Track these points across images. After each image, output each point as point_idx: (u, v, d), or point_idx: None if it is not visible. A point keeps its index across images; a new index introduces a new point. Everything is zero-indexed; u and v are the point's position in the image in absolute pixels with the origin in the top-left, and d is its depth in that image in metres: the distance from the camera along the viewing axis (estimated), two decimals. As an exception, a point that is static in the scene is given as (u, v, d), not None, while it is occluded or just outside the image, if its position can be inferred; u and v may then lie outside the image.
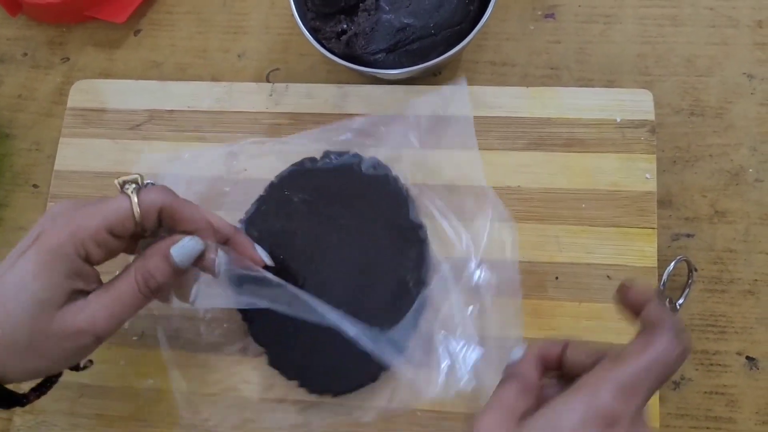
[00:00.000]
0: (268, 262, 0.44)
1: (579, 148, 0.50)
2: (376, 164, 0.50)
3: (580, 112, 0.51)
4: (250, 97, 0.55)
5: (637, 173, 0.49)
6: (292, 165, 0.51)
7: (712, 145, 0.52)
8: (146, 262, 0.39)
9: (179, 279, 0.41)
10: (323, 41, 0.52)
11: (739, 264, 0.49)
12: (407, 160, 0.51)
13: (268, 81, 0.58)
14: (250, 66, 0.59)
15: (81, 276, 0.38)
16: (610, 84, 0.54)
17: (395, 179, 0.50)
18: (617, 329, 0.46)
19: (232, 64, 0.59)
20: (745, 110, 0.52)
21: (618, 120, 0.50)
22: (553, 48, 0.56)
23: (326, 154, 0.51)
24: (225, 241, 0.43)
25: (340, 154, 0.51)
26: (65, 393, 0.49)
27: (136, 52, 0.61)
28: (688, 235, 0.50)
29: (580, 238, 0.48)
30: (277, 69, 0.58)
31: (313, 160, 0.51)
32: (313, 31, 0.52)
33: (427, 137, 0.51)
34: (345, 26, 0.52)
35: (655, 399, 0.45)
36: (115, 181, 0.40)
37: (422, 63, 0.50)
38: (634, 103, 0.50)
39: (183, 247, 0.39)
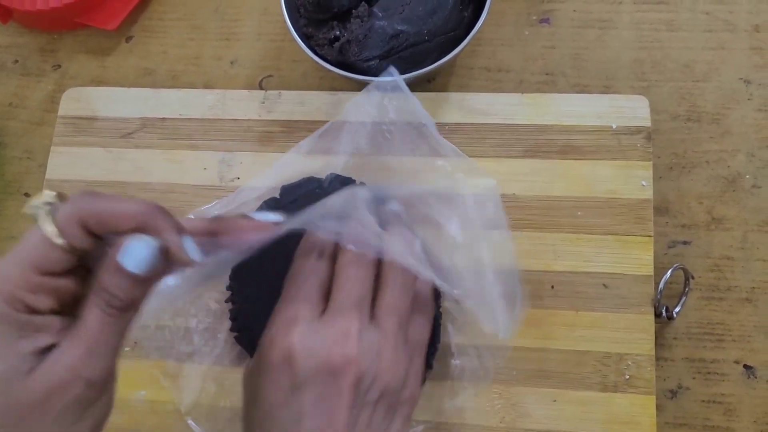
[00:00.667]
0: (276, 218, 0.36)
1: (575, 156, 0.50)
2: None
3: (575, 118, 0.50)
4: (242, 104, 0.54)
5: (633, 180, 0.49)
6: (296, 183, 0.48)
7: (708, 151, 0.52)
8: (101, 282, 0.32)
9: (152, 284, 0.34)
10: (316, 48, 0.52)
11: (736, 271, 0.49)
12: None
13: (260, 88, 0.57)
14: (243, 73, 0.58)
15: (36, 330, 0.31)
16: (606, 90, 0.54)
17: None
18: (614, 338, 0.46)
19: (224, 71, 0.58)
20: (743, 116, 0.52)
21: (614, 127, 0.50)
22: (548, 53, 0.56)
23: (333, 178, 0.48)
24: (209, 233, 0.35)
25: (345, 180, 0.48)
26: None
27: (128, 59, 0.60)
28: (685, 243, 0.50)
29: (577, 246, 0.48)
30: (270, 76, 0.58)
31: (318, 182, 0.48)
32: (306, 38, 0.52)
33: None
34: (338, 33, 0.51)
35: (652, 408, 0.45)
36: (24, 210, 0.32)
37: (416, 70, 0.49)
38: (630, 110, 0.50)
39: (130, 251, 0.31)
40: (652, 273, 0.47)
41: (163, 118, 0.55)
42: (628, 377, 0.45)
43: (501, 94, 0.52)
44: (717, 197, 0.50)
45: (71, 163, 0.55)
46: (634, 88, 0.54)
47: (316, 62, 0.50)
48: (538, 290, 0.48)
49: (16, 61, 0.62)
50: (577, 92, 0.54)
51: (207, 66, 0.59)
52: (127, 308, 0.32)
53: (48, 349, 0.31)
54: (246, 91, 0.55)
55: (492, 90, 0.55)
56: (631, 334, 0.46)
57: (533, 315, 0.47)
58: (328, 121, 0.53)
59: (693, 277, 0.48)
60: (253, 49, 0.59)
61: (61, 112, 0.56)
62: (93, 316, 0.32)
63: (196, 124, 0.54)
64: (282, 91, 0.54)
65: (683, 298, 0.48)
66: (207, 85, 0.58)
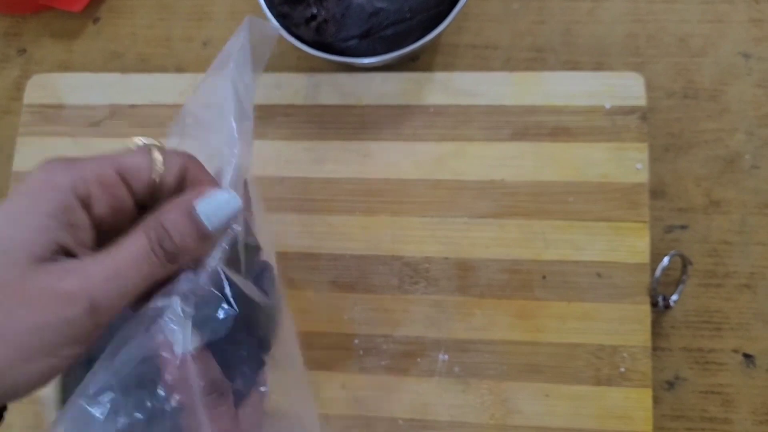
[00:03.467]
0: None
1: (566, 138, 0.47)
2: None
3: (566, 98, 0.48)
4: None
5: (627, 163, 0.46)
6: None
7: (706, 130, 0.49)
8: (162, 216, 0.28)
9: (205, 249, 0.30)
10: (292, 28, 0.49)
11: (735, 256, 0.47)
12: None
13: (236, 71, 0.54)
14: (216, 54, 0.55)
15: (72, 225, 0.27)
16: (598, 66, 0.51)
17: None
18: (608, 330, 0.44)
19: (197, 54, 0.55)
20: (741, 92, 0.49)
21: (607, 106, 0.47)
22: (537, 29, 0.53)
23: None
24: None
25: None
26: (31, 407, 0.47)
27: (96, 42, 0.57)
28: (682, 227, 0.48)
29: (568, 234, 0.46)
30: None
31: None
32: (281, 17, 0.49)
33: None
34: (314, 11, 0.48)
35: (648, 400, 0.43)
36: (135, 139, 0.31)
37: (397, 50, 0.46)
38: (624, 88, 0.47)
39: (213, 202, 0.29)
40: (648, 260, 0.45)
41: (133, 105, 0.52)
42: (623, 370, 0.43)
43: (488, 73, 0.49)
44: (715, 179, 0.48)
45: (39, 154, 0.52)
46: (627, 64, 0.51)
47: (292, 43, 0.47)
48: (528, 281, 0.45)
49: (-21, 47, 0.59)
50: (568, 69, 0.51)
51: (178, 48, 0.56)
52: (174, 258, 0.28)
53: (67, 254, 0.27)
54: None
55: (479, 68, 0.52)
56: (626, 325, 0.44)
57: (523, 307, 0.45)
58: (306, 105, 0.50)
59: (691, 264, 0.46)
60: (227, 28, 0.56)
61: (26, 100, 0.54)
62: (134, 242, 0.28)
63: (167, 111, 0.51)
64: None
65: (681, 286, 0.46)
66: (179, 69, 0.55)
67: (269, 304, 0.33)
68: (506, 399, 0.44)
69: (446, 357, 0.45)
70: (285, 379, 0.35)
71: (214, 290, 0.29)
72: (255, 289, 0.31)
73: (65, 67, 0.57)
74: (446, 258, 0.46)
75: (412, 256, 0.47)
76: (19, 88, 0.57)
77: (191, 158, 0.31)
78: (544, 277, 0.45)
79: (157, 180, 0.29)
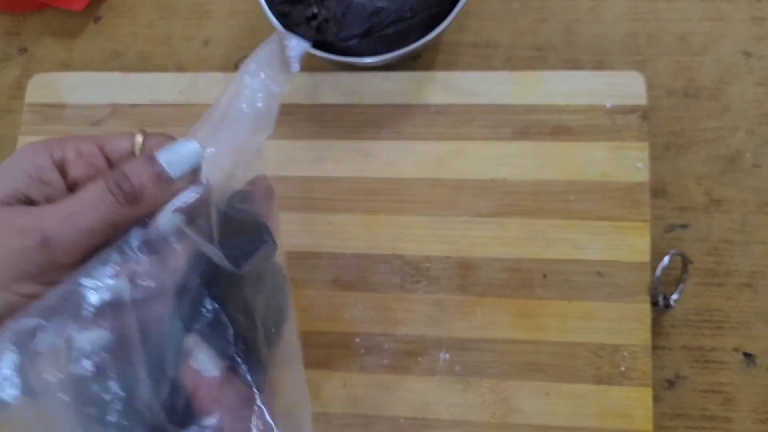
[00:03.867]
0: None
1: (567, 137, 0.47)
2: None
3: (567, 97, 0.48)
4: (216, 88, 0.51)
5: (628, 162, 0.46)
6: None
7: (707, 129, 0.49)
8: (121, 165, 0.29)
9: (165, 194, 0.30)
10: (292, 27, 0.49)
11: (735, 255, 0.47)
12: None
13: (236, 70, 0.54)
14: (217, 54, 0.55)
15: (43, 182, 0.29)
16: (599, 65, 0.51)
17: None
18: (608, 328, 0.44)
19: (197, 53, 0.55)
20: (742, 91, 0.49)
21: (608, 105, 0.47)
22: (538, 27, 0.53)
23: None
24: None
25: None
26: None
27: (96, 41, 0.57)
28: (683, 226, 0.48)
29: (569, 233, 0.46)
30: (246, 56, 0.54)
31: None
32: (282, 16, 0.49)
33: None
34: (315, 10, 0.48)
35: (648, 399, 0.43)
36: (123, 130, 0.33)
37: (398, 49, 0.46)
38: (625, 87, 0.47)
39: (175, 150, 0.30)
40: (649, 259, 0.45)
41: (134, 104, 0.52)
42: (623, 369, 0.43)
43: (489, 72, 0.49)
44: (716, 178, 0.48)
45: (39, 153, 0.52)
46: (628, 62, 0.51)
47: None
48: (528, 280, 0.46)
49: (-21, 45, 0.59)
50: (569, 68, 0.51)
51: (178, 47, 0.56)
52: (133, 200, 0.29)
53: (31, 203, 0.29)
54: (220, 73, 0.52)
55: (480, 67, 0.52)
56: (627, 324, 0.44)
57: (524, 306, 0.45)
58: (306, 104, 0.51)
59: (691, 262, 0.46)
60: (227, 28, 0.56)
61: (27, 99, 0.54)
62: (93, 187, 0.29)
63: (168, 110, 0.51)
64: (258, 73, 0.51)
65: (681, 285, 0.46)
66: (179, 68, 0.55)
67: (239, 273, 0.31)
68: (507, 398, 0.44)
69: (447, 356, 0.45)
70: (285, 379, 0.35)
71: (161, 236, 0.29)
72: (219, 253, 0.30)
73: (66, 66, 0.57)
74: (447, 257, 0.47)
75: (413, 255, 0.47)
76: (19, 86, 0.57)
77: (173, 139, 0.32)
78: (544, 276, 0.45)
79: (137, 155, 0.31)
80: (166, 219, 0.29)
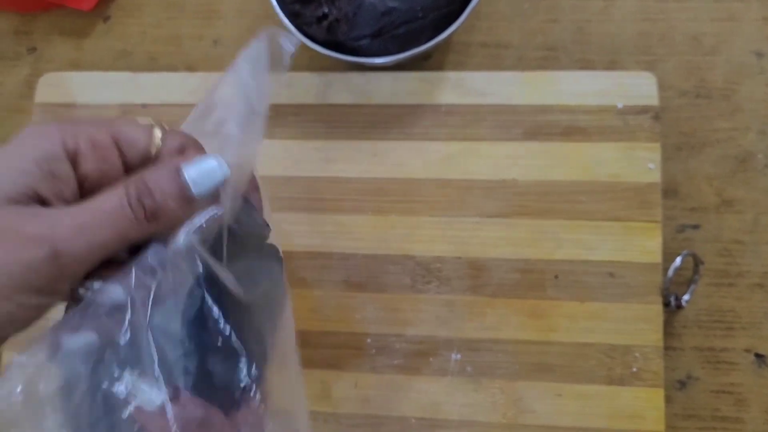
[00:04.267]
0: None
1: (578, 137, 0.47)
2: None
3: (578, 97, 0.48)
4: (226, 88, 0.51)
5: (639, 163, 0.46)
6: None
7: (718, 129, 0.49)
8: (146, 174, 0.27)
9: (186, 214, 0.29)
10: (303, 26, 0.49)
11: (747, 256, 0.47)
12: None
13: (245, 70, 0.54)
14: (227, 53, 0.55)
15: (54, 176, 0.27)
16: (610, 65, 0.51)
17: None
18: (620, 329, 0.44)
19: (206, 52, 0.55)
20: (754, 91, 0.49)
21: (619, 106, 0.47)
22: (549, 28, 0.52)
23: None
24: None
25: None
26: None
27: (105, 40, 0.57)
28: (694, 227, 0.48)
29: (580, 233, 0.46)
30: (251, 56, 0.55)
31: None
32: (293, 16, 0.49)
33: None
34: (326, 10, 0.48)
35: (660, 400, 0.43)
36: (140, 119, 0.31)
37: (409, 49, 0.46)
38: (636, 87, 0.47)
39: (201, 167, 0.28)
40: (660, 260, 0.45)
41: (145, 105, 0.52)
42: (635, 369, 0.43)
43: (499, 72, 0.49)
44: (727, 178, 0.48)
45: (49, 153, 0.52)
46: (639, 63, 0.51)
47: (303, 42, 0.47)
48: (539, 280, 0.45)
49: (-11, 45, 0.59)
50: (580, 68, 0.51)
51: (188, 46, 0.56)
52: (152, 217, 0.27)
53: (42, 203, 0.27)
54: (230, 73, 0.52)
55: (491, 67, 0.52)
56: (638, 324, 0.44)
57: (535, 306, 0.45)
58: (316, 105, 0.50)
59: (703, 263, 0.46)
60: (237, 27, 0.56)
61: (37, 98, 0.54)
62: (112, 197, 0.27)
63: (178, 111, 0.51)
64: (268, 73, 0.51)
65: (693, 286, 0.46)
66: (188, 67, 0.55)
67: (247, 299, 0.31)
68: (518, 398, 0.44)
69: (458, 356, 0.45)
70: (281, 378, 0.35)
71: (183, 265, 0.28)
72: (232, 279, 0.30)
73: (75, 65, 0.57)
74: (458, 257, 0.46)
75: (423, 256, 0.47)
76: (29, 86, 0.57)
77: (192, 140, 0.30)
78: (556, 276, 0.45)
79: (153, 153, 0.29)
80: (183, 238, 0.28)
